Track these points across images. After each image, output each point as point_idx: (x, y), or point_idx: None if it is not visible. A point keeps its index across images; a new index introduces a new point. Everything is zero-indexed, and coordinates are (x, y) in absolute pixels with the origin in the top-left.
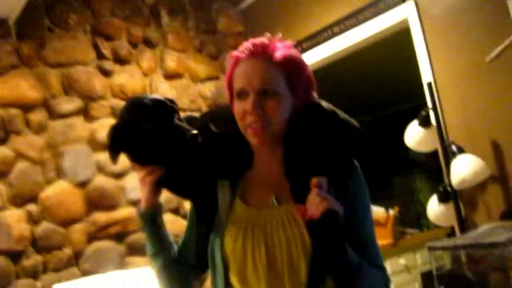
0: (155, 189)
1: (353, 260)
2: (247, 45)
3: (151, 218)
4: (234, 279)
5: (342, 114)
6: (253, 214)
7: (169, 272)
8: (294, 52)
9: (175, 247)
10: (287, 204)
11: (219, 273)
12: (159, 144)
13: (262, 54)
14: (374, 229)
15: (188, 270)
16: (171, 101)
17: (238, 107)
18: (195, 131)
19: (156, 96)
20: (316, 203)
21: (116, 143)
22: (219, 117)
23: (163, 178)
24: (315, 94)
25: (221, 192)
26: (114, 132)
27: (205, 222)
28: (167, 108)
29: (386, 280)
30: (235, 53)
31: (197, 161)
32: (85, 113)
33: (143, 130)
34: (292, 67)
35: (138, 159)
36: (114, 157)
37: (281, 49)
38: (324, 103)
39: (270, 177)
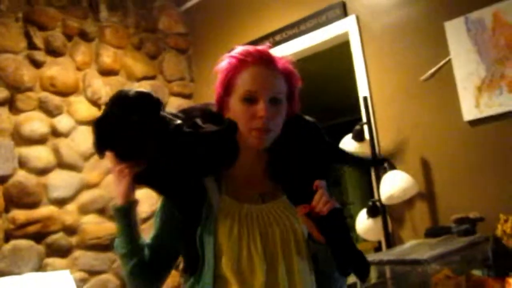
0: (132, 184)
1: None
2: (249, 50)
3: (125, 213)
4: (227, 270)
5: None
6: (244, 209)
7: (143, 273)
8: (292, 66)
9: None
10: (273, 201)
11: (209, 266)
12: (143, 138)
13: (272, 63)
14: None
15: (162, 267)
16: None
17: (245, 109)
18: (179, 121)
19: (141, 89)
20: (323, 202)
21: (102, 139)
22: (203, 113)
23: (141, 173)
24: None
25: (209, 187)
26: (99, 126)
27: (188, 218)
28: (152, 101)
29: None
30: (235, 55)
31: (181, 157)
32: (11, 104)
33: (127, 124)
34: (292, 80)
35: (121, 155)
36: (101, 153)
37: (283, 61)
38: (306, 116)
39: (253, 176)
